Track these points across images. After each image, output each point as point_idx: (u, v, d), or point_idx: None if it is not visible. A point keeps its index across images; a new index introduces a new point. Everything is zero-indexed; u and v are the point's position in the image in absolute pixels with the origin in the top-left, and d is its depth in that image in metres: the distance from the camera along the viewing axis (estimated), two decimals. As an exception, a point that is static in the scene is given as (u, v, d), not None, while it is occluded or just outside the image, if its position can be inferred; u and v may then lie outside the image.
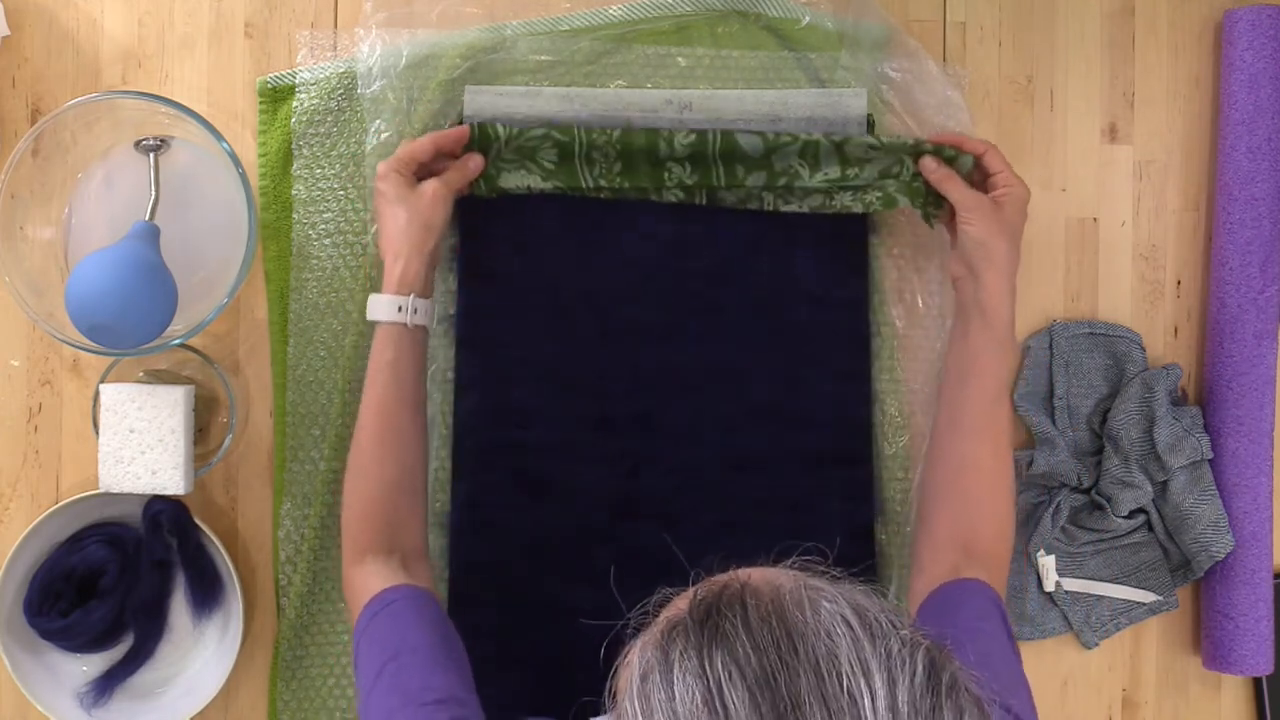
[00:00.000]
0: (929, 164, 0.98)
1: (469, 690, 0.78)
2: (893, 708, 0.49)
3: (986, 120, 1.07)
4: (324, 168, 1.02)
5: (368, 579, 0.86)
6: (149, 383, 0.99)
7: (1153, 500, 1.05)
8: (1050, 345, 1.06)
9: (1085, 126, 1.08)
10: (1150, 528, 1.06)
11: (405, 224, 0.92)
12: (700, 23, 1.05)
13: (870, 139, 0.98)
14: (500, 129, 0.98)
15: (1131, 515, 1.05)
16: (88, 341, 0.90)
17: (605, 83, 1.03)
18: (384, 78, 1.00)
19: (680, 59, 1.04)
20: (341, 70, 1.02)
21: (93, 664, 1.00)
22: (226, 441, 1.01)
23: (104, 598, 0.98)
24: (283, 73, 1.03)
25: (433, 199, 0.93)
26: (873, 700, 0.49)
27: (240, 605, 0.98)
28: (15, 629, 0.98)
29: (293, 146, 1.02)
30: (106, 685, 0.99)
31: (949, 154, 0.98)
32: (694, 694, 0.51)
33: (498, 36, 1.02)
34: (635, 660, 0.55)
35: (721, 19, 1.05)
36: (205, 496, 1.02)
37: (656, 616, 0.59)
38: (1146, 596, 1.06)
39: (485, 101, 1.00)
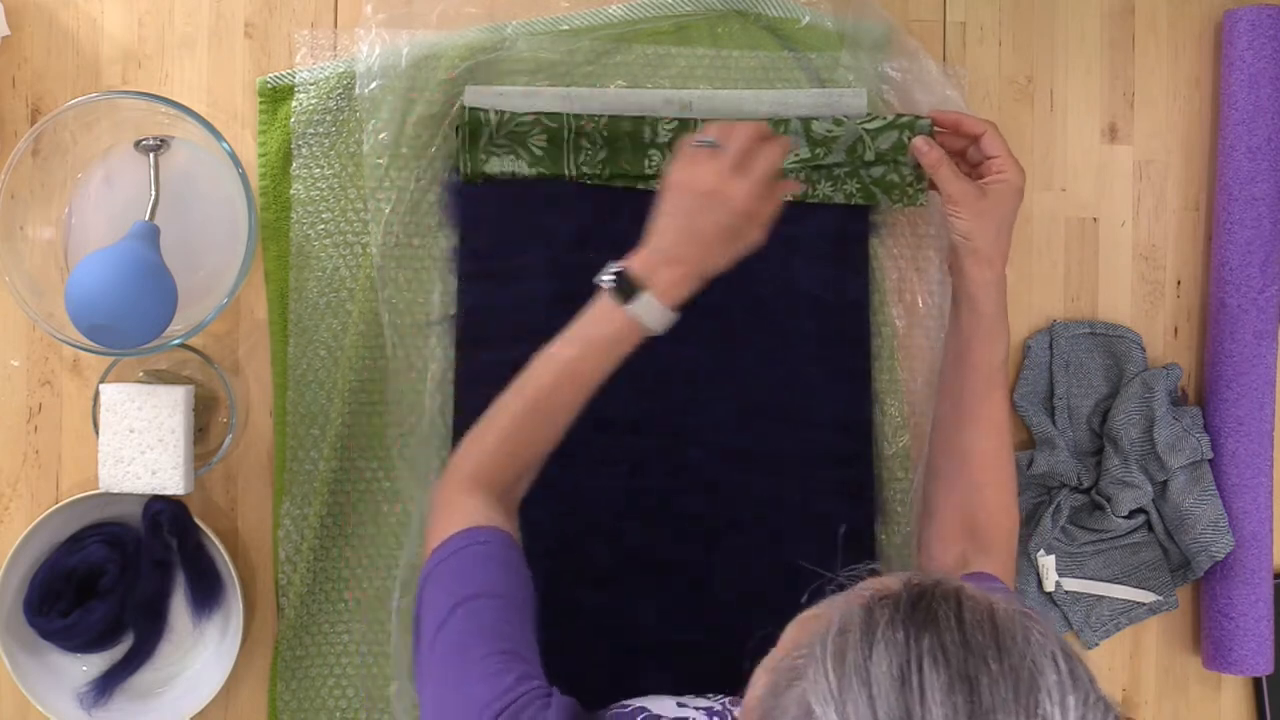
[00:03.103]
0: (921, 146, 0.96)
1: (536, 656, 0.77)
2: None
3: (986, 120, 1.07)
4: (323, 168, 1.02)
5: (472, 509, 0.83)
6: (149, 383, 0.99)
7: (1153, 500, 1.05)
8: (1050, 345, 1.06)
9: (1085, 126, 1.08)
10: (1150, 528, 1.06)
11: (725, 260, 0.87)
12: (700, 23, 1.05)
13: (831, 119, 0.98)
14: (491, 115, 0.99)
15: (1131, 515, 1.05)
16: (88, 341, 0.90)
17: (605, 83, 1.03)
18: (382, 78, 1.00)
19: (680, 59, 1.04)
20: (341, 70, 1.02)
21: (93, 664, 1.00)
22: (226, 441, 1.01)
23: (104, 598, 0.98)
24: (282, 73, 1.03)
25: (752, 245, 0.88)
26: None
27: (240, 605, 0.98)
28: (15, 629, 0.98)
29: (292, 146, 1.02)
30: (106, 685, 0.99)
31: (904, 120, 0.97)
32: (891, 663, 0.51)
33: (498, 36, 1.02)
34: (833, 614, 0.55)
35: (721, 19, 1.05)
36: (205, 496, 1.02)
37: (849, 586, 0.59)
38: (1146, 596, 1.06)
39: (485, 102, 1.01)
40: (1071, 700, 0.50)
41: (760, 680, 0.59)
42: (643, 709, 0.75)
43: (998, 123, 1.07)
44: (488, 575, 0.79)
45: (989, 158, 0.95)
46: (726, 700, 0.77)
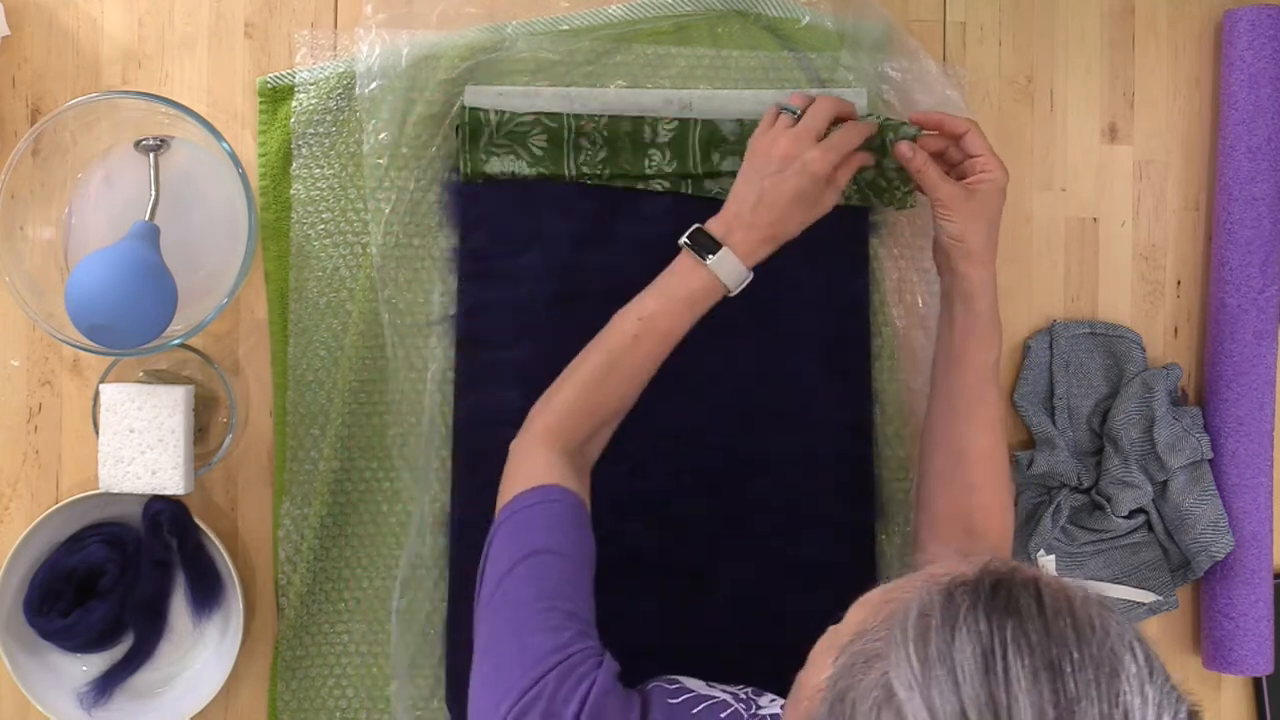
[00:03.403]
0: (904, 151, 0.95)
1: (593, 619, 0.79)
2: None
3: (986, 120, 1.07)
4: (323, 168, 1.02)
5: (548, 465, 0.85)
6: (149, 383, 0.99)
7: (1153, 500, 1.05)
8: (1050, 345, 1.06)
9: (1085, 126, 1.08)
10: (1150, 528, 1.06)
11: (798, 224, 0.90)
12: (700, 23, 1.05)
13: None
14: (491, 115, 0.99)
15: (1131, 515, 1.05)
16: (88, 341, 0.90)
17: (605, 83, 1.03)
18: (382, 78, 1.00)
19: (680, 59, 1.04)
20: (341, 70, 1.02)
21: (93, 664, 1.00)
22: (226, 441, 1.01)
23: (104, 598, 0.98)
24: (282, 73, 1.03)
25: (825, 211, 0.92)
26: None
27: (240, 605, 0.98)
28: (15, 629, 0.98)
29: (292, 146, 1.02)
30: (106, 685, 0.99)
31: (889, 123, 0.96)
32: (975, 649, 0.51)
33: (498, 36, 1.02)
34: (910, 598, 0.55)
35: (721, 19, 1.05)
36: (205, 496, 1.02)
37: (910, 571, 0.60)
38: (1146, 596, 1.06)
39: (485, 102, 1.01)
40: (1150, 691, 0.51)
41: (824, 660, 0.59)
42: (676, 680, 0.78)
43: (998, 123, 1.07)
44: (556, 533, 0.81)
45: (972, 157, 0.94)
46: (749, 690, 0.79)
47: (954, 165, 0.96)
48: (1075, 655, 0.51)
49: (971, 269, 0.92)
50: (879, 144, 0.97)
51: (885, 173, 1.00)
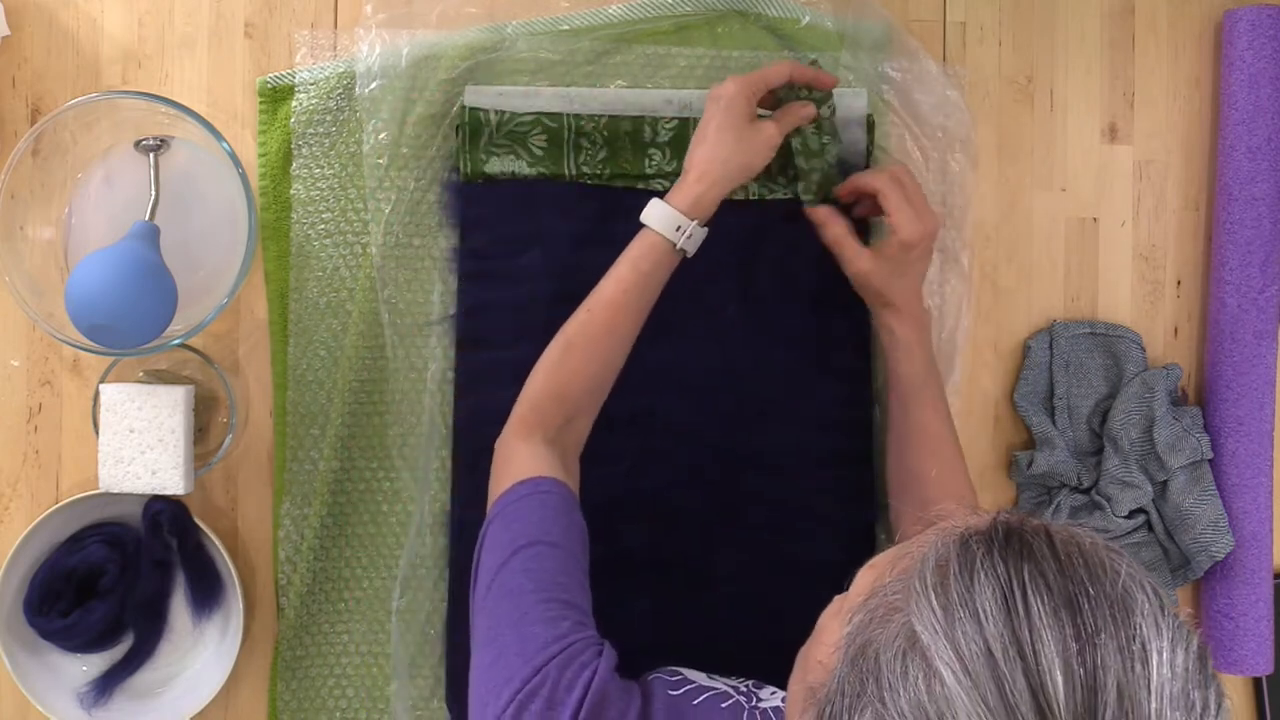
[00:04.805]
0: (820, 217, 0.96)
1: (590, 608, 0.80)
2: (1173, 666, 0.51)
3: (986, 120, 1.07)
4: (323, 168, 1.02)
5: (533, 457, 0.86)
6: (149, 383, 0.99)
7: (1153, 500, 1.05)
8: (1050, 345, 1.06)
9: (1085, 126, 1.08)
10: (1150, 528, 1.06)
11: (729, 155, 0.90)
12: (700, 23, 1.05)
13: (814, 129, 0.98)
14: (492, 115, 0.99)
15: (1131, 515, 1.05)
16: (88, 341, 0.90)
17: (605, 83, 1.03)
18: (382, 78, 1.00)
19: (680, 59, 1.04)
20: (341, 70, 1.02)
21: (93, 664, 1.00)
22: (226, 441, 1.01)
23: (104, 598, 0.98)
24: (282, 73, 1.03)
25: (765, 143, 0.91)
26: (1160, 654, 0.51)
27: (240, 605, 0.98)
28: (15, 629, 0.98)
29: (292, 146, 1.02)
30: (106, 685, 0.99)
31: (802, 94, 0.95)
32: (995, 591, 0.52)
33: (498, 36, 1.02)
34: (924, 551, 0.57)
35: (721, 19, 1.05)
36: (205, 496, 1.02)
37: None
38: (1146, 596, 1.06)
39: (485, 102, 1.01)
40: (1163, 624, 0.52)
41: (834, 625, 0.60)
42: (677, 672, 0.78)
43: (998, 123, 1.07)
44: (548, 524, 0.81)
45: (888, 216, 0.94)
46: (750, 683, 0.79)
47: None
48: (1091, 592, 0.52)
49: (899, 324, 0.94)
50: (824, 100, 0.96)
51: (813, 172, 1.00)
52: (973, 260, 1.06)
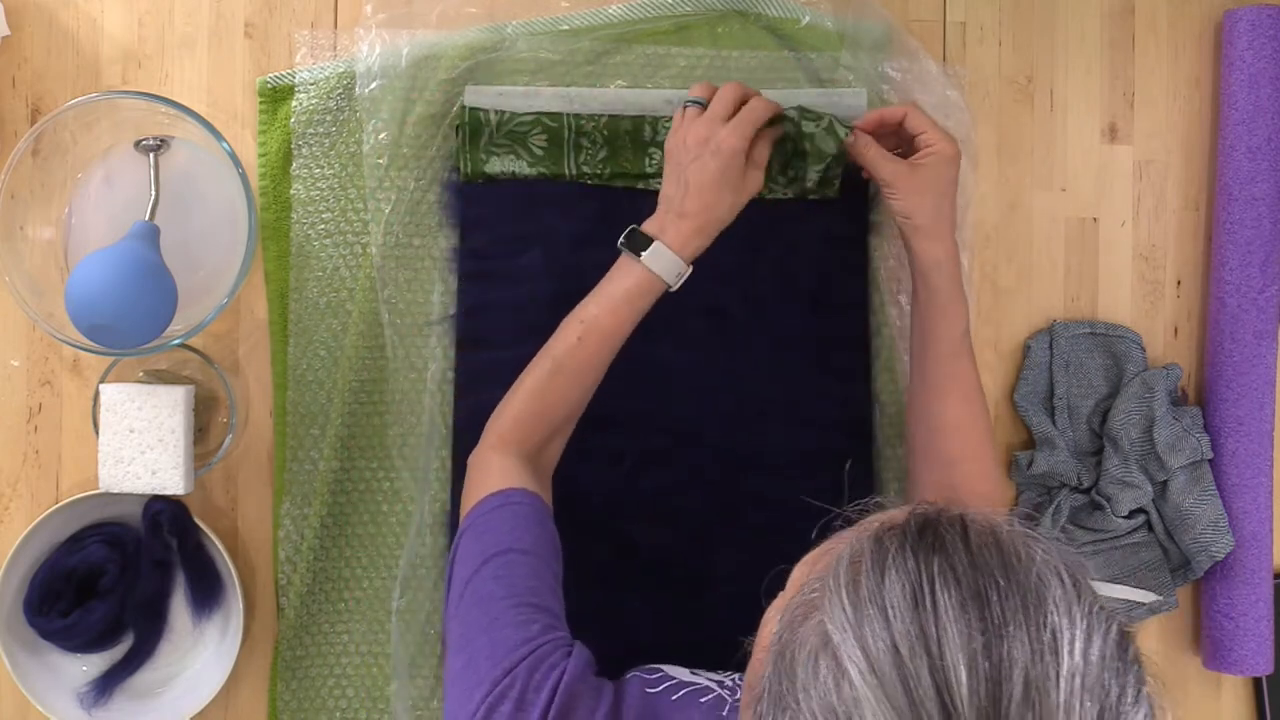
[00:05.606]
0: (860, 136, 0.95)
1: (562, 612, 0.80)
2: (1086, 655, 0.51)
3: (986, 120, 1.07)
4: (323, 168, 1.02)
5: (506, 470, 0.87)
6: (149, 383, 0.99)
7: (1153, 500, 1.05)
8: (1050, 345, 1.06)
9: (1085, 126, 1.08)
10: (1150, 528, 1.06)
11: (727, 210, 0.91)
12: (700, 23, 1.05)
13: (791, 112, 0.96)
14: (492, 115, 0.99)
15: (1131, 515, 1.05)
16: (88, 341, 0.90)
17: (605, 83, 1.03)
18: (382, 78, 1.00)
19: (680, 59, 1.04)
20: (341, 70, 1.02)
21: (93, 664, 1.00)
22: (226, 441, 1.01)
23: (104, 598, 0.98)
24: (282, 73, 1.03)
25: (753, 189, 0.92)
26: (1071, 643, 0.51)
27: (240, 605, 0.98)
28: (15, 629, 0.98)
29: (292, 146, 1.02)
30: (106, 685, 0.99)
31: (810, 118, 0.95)
32: (904, 587, 0.52)
33: (498, 36, 1.02)
34: (842, 548, 0.57)
35: (721, 19, 1.05)
36: (205, 496, 1.02)
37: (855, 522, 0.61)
38: (1146, 596, 1.06)
39: (485, 102, 1.01)
40: (1077, 612, 0.52)
41: (773, 621, 0.60)
42: (658, 669, 0.79)
43: (998, 123, 1.07)
44: (519, 533, 0.82)
45: (915, 135, 0.93)
46: (736, 676, 0.79)
47: (906, 145, 0.96)
48: (1001, 584, 0.52)
49: (924, 244, 0.92)
50: (794, 127, 0.96)
51: (825, 174, 0.99)
52: (973, 260, 1.06)
